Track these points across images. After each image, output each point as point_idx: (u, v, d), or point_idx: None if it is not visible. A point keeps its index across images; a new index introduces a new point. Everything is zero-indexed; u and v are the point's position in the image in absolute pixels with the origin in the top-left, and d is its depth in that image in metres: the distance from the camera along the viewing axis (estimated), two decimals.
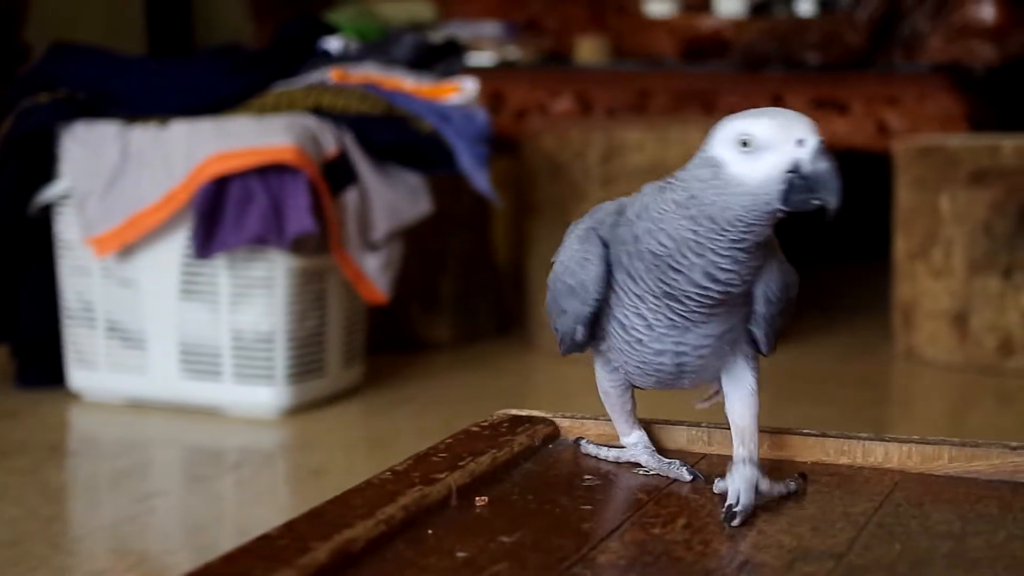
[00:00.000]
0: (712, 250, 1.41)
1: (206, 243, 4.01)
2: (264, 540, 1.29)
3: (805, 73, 6.56)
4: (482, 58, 7.03)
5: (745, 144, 1.40)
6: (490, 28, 7.35)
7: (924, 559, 1.30)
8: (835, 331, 5.46)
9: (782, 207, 1.39)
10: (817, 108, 6.18)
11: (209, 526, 3.33)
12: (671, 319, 1.46)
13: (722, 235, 1.40)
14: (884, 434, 1.62)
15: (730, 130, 1.42)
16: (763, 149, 1.39)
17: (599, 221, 1.51)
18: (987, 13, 6.70)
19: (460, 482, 1.47)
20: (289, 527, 1.32)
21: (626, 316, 1.48)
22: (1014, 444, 1.54)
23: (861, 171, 5.83)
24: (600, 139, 5.11)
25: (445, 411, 4.23)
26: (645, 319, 1.47)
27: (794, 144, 1.39)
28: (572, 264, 1.50)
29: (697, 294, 1.43)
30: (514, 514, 1.43)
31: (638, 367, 1.52)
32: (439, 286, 5.17)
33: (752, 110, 1.43)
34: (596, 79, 6.83)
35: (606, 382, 1.58)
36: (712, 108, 6.47)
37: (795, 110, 1.42)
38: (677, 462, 1.56)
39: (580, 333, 1.52)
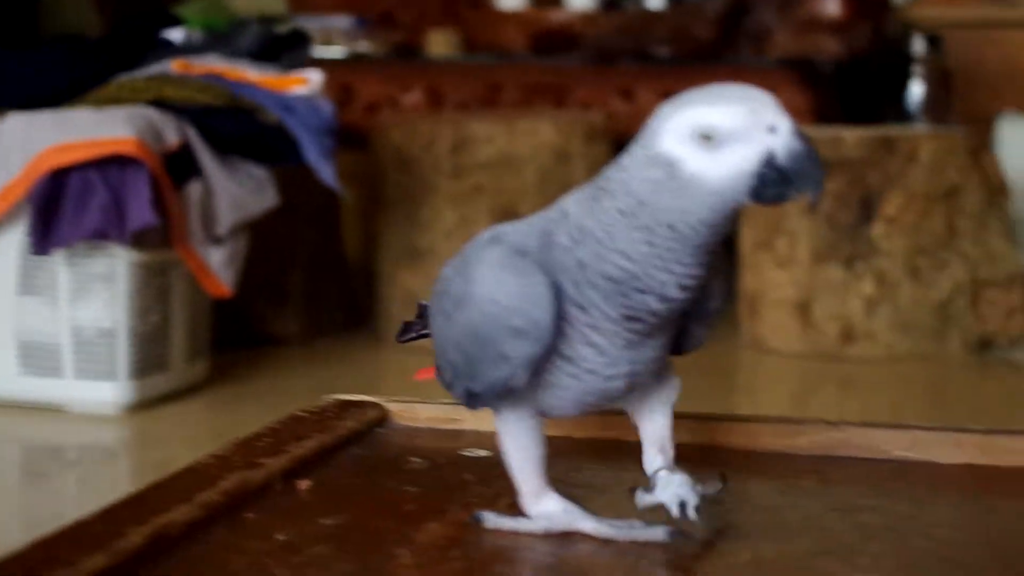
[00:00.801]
0: (677, 261, 1.22)
1: (44, 238, 3.93)
2: (79, 525, 1.27)
3: (655, 67, 6.62)
4: (332, 51, 6.99)
5: (707, 138, 1.19)
6: (341, 21, 7.31)
7: (741, 532, 1.31)
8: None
9: (754, 203, 1.21)
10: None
11: (48, 524, 3.25)
12: (627, 339, 1.27)
13: (684, 242, 1.22)
14: (711, 413, 1.63)
15: (684, 121, 1.20)
16: (728, 141, 1.19)
17: (518, 246, 1.28)
18: (832, 7, 6.82)
19: (283, 466, 1.46)
20: (106, 512, 1.31)
21: (572, 348, 1.27)
22: (832, 420, 1.56)
23: None
24: (449, 132, 5.11)
25: (293, 406, 4.16)
26: (597, 347, 1.27)
27: (765, 131, 1.19)
28: (517, 300, 1.25)
29: (665, 309, 1.25)
30: (338, 497, 1.42)
31: (579, 398, 1.32)
32: (287, 280, 5.13)
33: (703, 90, 1.21)
34: (447, 72, 6.82)
35: (523, 433, 1.34)
36: (562, 101, 6.51)
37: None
38: (638, 522, 1.29)
39: (521, 379, 1.28)
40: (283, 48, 4.69)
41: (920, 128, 6.06)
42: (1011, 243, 5.05)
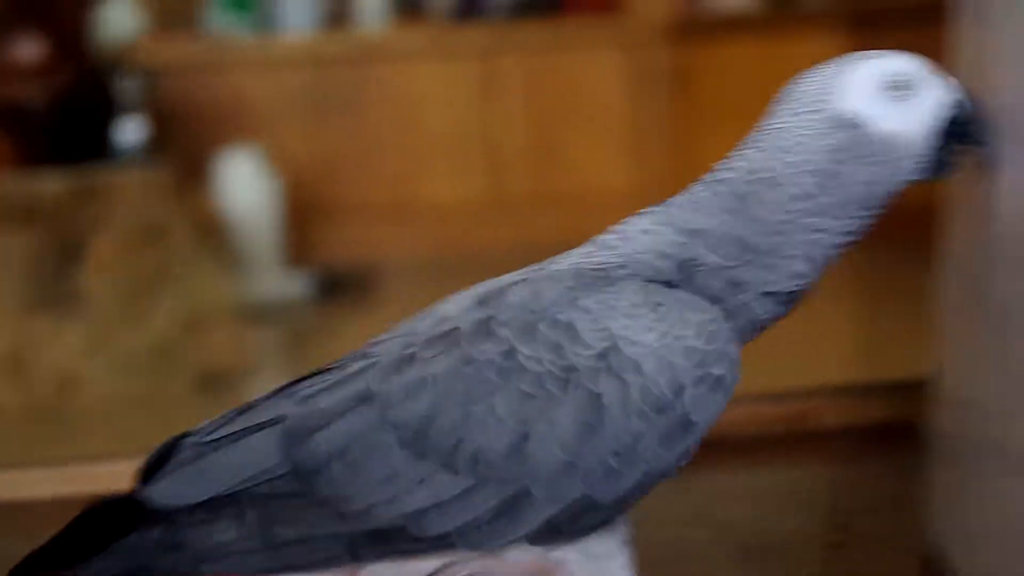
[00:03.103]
0: (829, 251, 1.02)
1: None
2: None
3: None
4: None
5: (897, 88, 1.00)
6: None
7: None
8: None
9: (939, 164, 1.03)
10: None
11: None
12: None
13: (849, 221, 1.00)
14: None
15: (870, 73, 1.01)
16: (916, 89, 1.01)
17: (656, 277, 0.99)
18: (31, 52, 6.68)
19: None
20: None
21: None
22: None
23: None
24: None
25: None
26: None
27: (939, 80, 1.03)
28: (709, 342, 0.94)
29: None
30: None
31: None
32: None
33: (843, 58, 1.04)
34: None
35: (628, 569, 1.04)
36: None
37: None
38: None
39: (686, 458, 1.02)
40: None
41: (128, 168, 6.03)
42: (228, 277, 5.12)
